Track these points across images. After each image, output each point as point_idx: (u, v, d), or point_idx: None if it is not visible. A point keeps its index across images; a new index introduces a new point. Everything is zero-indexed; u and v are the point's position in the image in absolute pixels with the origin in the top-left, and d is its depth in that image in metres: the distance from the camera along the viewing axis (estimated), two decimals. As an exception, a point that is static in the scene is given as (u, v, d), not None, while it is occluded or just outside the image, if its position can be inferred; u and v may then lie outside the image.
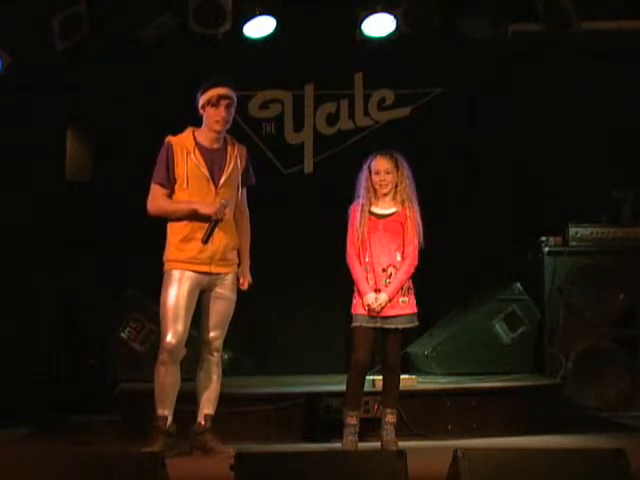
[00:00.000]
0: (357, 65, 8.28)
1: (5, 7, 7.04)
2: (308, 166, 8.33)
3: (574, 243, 7.87)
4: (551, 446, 6.15)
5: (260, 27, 7.47)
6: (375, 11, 7.47)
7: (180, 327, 5.89)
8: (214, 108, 5.97)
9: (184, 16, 7.31)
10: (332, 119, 8.35)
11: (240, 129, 8.19)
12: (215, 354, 6.08)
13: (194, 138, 6.01)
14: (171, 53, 7.78)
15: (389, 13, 7.46)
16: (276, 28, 7.47)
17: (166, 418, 5.92)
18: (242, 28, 7.45)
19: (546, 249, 7.84)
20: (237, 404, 6.63)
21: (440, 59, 8.20)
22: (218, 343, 6.07)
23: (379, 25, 7.54)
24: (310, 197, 8.09)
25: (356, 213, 6.20)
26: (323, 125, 8.34)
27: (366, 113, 8.36)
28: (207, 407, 6.07)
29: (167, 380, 5.92)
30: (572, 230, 7.86)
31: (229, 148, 6.07)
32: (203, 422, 6.05)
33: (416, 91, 8.35)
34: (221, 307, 6.05)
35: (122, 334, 7.45)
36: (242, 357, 7.95)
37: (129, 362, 7.35)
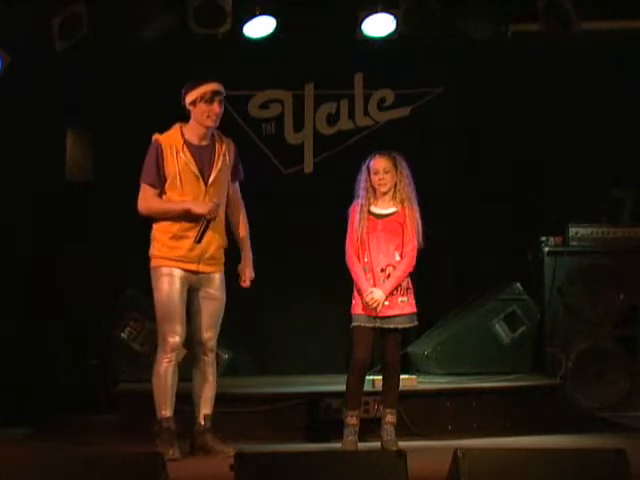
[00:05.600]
0: (357, 65, 8.27)
1: (5, 7, 7.04)
2: (308, 166, 8.32)
3: (574, 243, 7.87)
4: (551, 446, 6.15)
5: (260, 27, 7.47)
6: (375, 11, 7.47)
7: (179, 325, 5.91)
8: (207, 104, 5.94)
9: (184, 16, 7.31)
10: (332, 119, 8.35)
11: (240, 129, 8.21)
12: (210, 354, 6.06)
13: (182, 135, 5.99)
14: (171, 53, 7.78)
15: (389, 13, 7.45)
16: (276, 28, 7.47)
17: (172, 419, 5.92)
18: (242, 28, 7.45)
19: (546, 249, 7.83)
20: (237, 404, 6.64)
21: (440, 59, 8.20)
22: (212, 343, 6.05)
23: (379, 25, 7.53)
24: (310, 197, 8.09)
25: (355, 213, 6.21)
26: (323, 125, 8.33)
27: (366, 113, 8.36)
28: (205, 407, 6.06)
29: (171, 381, 5.92)
30: (572, 230, 7.86)
31: (217, 145, 6.04)
32: (203, 422, 6.04)
33: (416, 91, 8.35)
34: (212, 308, 6.02)
35: (122, 334, 7.45)
36: (242, 357, 7.94)
37: (129, 362, 7.35)
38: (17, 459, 4.77)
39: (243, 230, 6.21)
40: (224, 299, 6.07)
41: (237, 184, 6.20)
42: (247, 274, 6.17)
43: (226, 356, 7.45)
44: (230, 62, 7.96)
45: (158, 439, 5.89)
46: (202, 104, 5.95)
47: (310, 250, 8.00)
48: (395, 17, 7.47)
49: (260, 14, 7.39)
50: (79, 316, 7.89)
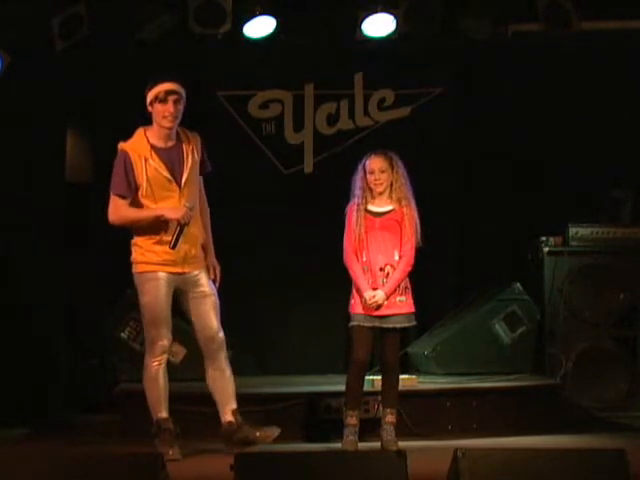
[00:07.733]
0: (357, 65, 8.27)
1: (5, 7, 7.03)
2: (308, 166, 8.32)
3: (574, 243, 7.87)
4: (551, 446, 6.15)
5: (260, 27, 7.47)
6: (375, 11, 7.46)
7: (167, 329, 5.91)
8: (162, 104, 5.85)
9: (184, 16, 7.30)
10: (332, 119, 8.34)
11: (240, 129, 8.21)
12: (223, 348, 5.99)
13: (147, 140, 5.91)
14: (171, 53, 7.77)
15: (389, 13, 7.45)
16: (276, 28, 7.46)
17: (169, 420, 5.91)
18: (242, 28, 7.45)
19: (546, 249, 7.84)
20: (237, 404, 6.62)
21: (440, 59, 8.20)
22: (222, 336, 5.98)
23: (379, 25, 7.53)
24: (310, 197, 8.09)
25: (352, 212, 6.20)
26: (323, 125, 8.33)
27: (366, 113, 8.35)
28: (233, 402, 6.00)
29: (163, 382, 5.91)
30: (572, 230, 7.86)
31: (184, 143, 5.95)
32: (234, 418, 5.97)
33: (416, 91, 8.35)
34: (209, 304, 5.96)
35: (122, 334, 7.45)
36: (242, 357, 7.93)
37: (129, 362, 7.34)
38: (17, 459, 4.76)
39: (206, 225, 6.09)
40: (215, 291, 6.02)
41: (201, 177, 6.09)
42: (217, 268, 6.08)
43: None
44: (230, 62, 7.96)
45: (157, 440, 5.88)
46: (157, 104, 5.86)
47: (310, 250, 8.00)
48: (395, 17, 7.46)
49: (260, 14, 7.38)
50: (79, 316, 7.89)
